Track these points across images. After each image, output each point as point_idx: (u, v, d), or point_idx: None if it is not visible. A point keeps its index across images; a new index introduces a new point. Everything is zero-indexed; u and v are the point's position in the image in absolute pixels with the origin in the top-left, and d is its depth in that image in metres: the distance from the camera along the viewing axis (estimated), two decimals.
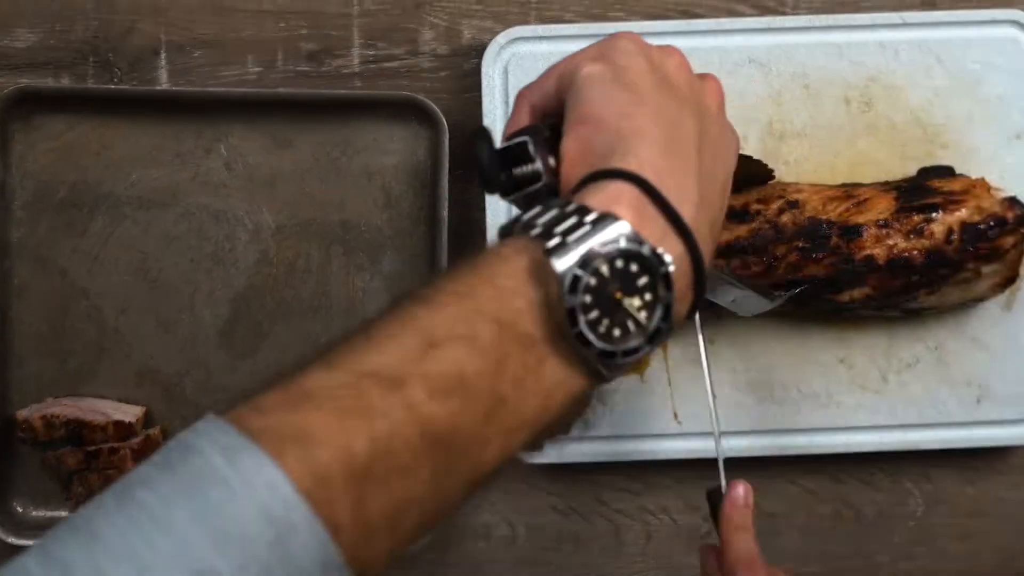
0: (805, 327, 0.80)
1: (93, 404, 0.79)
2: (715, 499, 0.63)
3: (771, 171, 0.77)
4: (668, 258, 0.44)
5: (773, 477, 0.81)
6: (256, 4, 0.80)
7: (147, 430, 0.79)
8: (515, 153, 0.50)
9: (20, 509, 0.79)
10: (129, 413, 0.78)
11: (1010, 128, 0.79)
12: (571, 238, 0.43)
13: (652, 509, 0.81)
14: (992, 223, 0.75)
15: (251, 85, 0.80)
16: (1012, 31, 0.79)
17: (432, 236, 0.79)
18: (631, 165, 0.45)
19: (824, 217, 0.75)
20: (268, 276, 0.80)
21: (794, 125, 0.79)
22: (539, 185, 0.49)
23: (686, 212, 0.46)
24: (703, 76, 0.53)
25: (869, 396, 0.80)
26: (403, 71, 0.80)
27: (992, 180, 0.77)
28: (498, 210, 0.77)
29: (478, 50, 0.79)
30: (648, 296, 0.44)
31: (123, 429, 0.77)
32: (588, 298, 0.42)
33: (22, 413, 0.78)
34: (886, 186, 0.77)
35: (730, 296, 0.71)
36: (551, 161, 0.49)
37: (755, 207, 0.75)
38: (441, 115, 0.77)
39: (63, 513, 0.79)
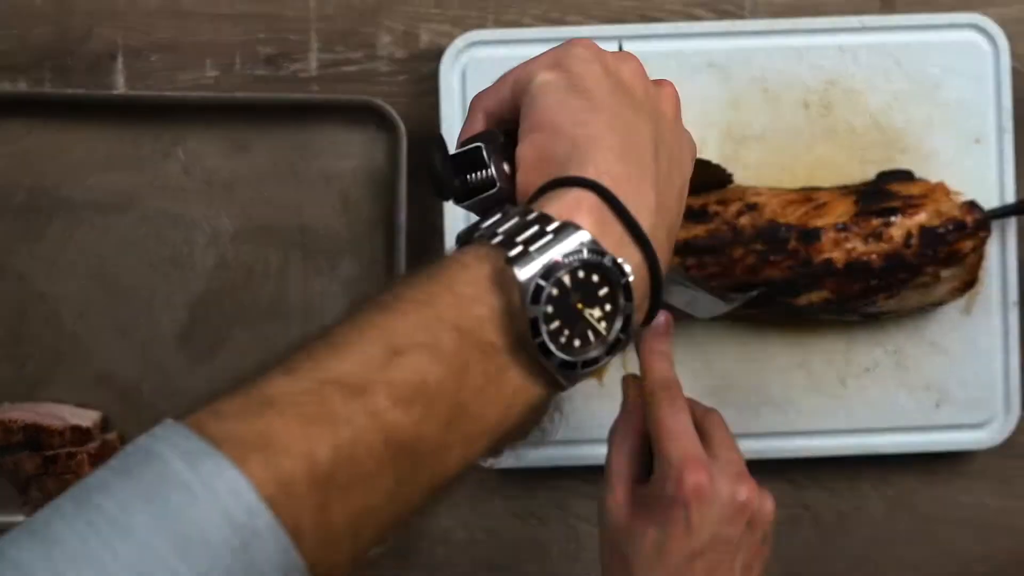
0: (764, 332, 0.80)
1: (51, 409, 0.79)
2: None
3: (730, 175, 0.77)
4: (628, 268, 0.44)
5: None
6: (213, 8, 0.80)
7: (105, 434, 0.79)
8: (469, 159, 0.50)
9: None
10: (87, 418, 0.78)
11: (969, 132, 0.79)
12: (533, 247, 0.43)
13: None
14: (951, 227, 0.75)
15: (209, 89, 0.80)
16: (971, 35, 0.79)
17: (390, 241, 0.79)
18: (589, 173, 0.45)
19: (783, 220, 0.75)
20: (226, 280, 0.80)
21: (753, 129, 0.79)
22: (493, 192, 0.49)
23: (644, 219, 0.46)
24: (659, 82, 0.53)
25: (828, 400, 0.80)
26: (361, 75, 0.80)
27: (951, 184, 0.77)
28: (457, 215, 0.77)
29: (436, 54, 0.79)
30: (608, 307, 0.44)
31: (81, 434, 0.77)
32: (550, 308, 0.43)
33: None
34: (845, 190, 0.77)
35: (685, 298, 0.71)
36: (505, 168, 0.49)
37: (714, 208, 0.75)
38: (399, 119, 0.77)
39: (20, 518, 0.79)
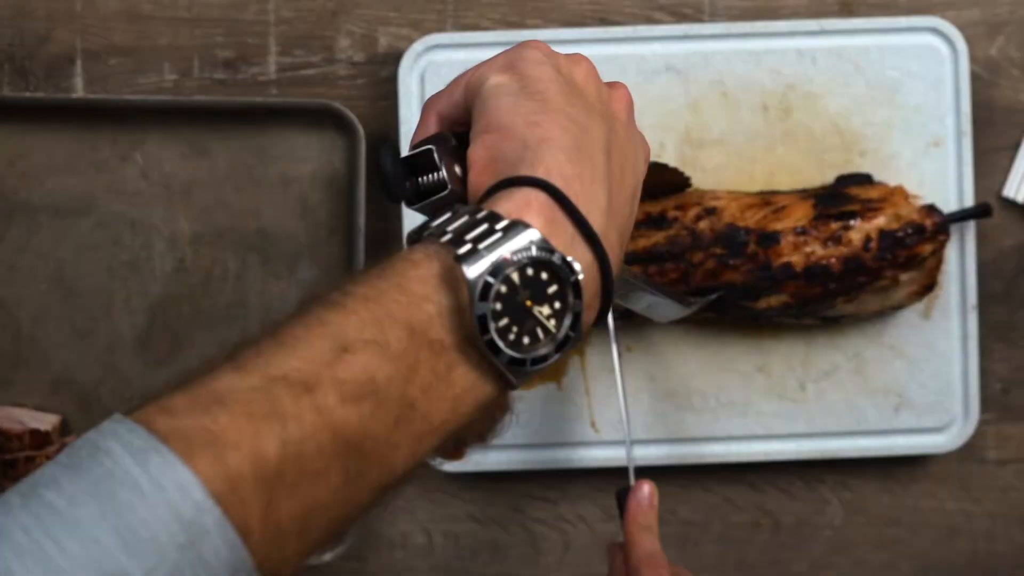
0: (723, 336, 0.80)
1: (9, 413, 0.79)
2: (624, 499, 0.65)
3: (688, 179, 0.77)
4: (578, 266, 0.44)
5: (691, 485, 0.81)
6: (172, 11, 0.80)
7: (64, 438, 0.79)
8: (420, 162, 0.50)
9: None
10: (45, 422, 0.78)
11: (928, 135, 0.79)
12: (482, 245, 0.43)
13: (569, 518, 0.81)
14: (910, 230, 0.75)
15: (167, 93, 0.80)
16: (930, 38, 0.79)
17: (349, 244, 0.79)
18: (540, 172, 0.45)
19: (742, 224, 0.75)
20: (185, 284, 0.80)
21: (712, 133, 0.79)
22: (444, 194, 0.49)
23: (595, 219, 0.46)
24: (612, 84, 0.53)
25: (787, 405, 0.80)
26: (319, 79, 0.80)
27: (910, 188, 0.77)
28: (415, 219, 0.76)
29: (395, 57, 0.79)
30: (557, 304, 0.44)
31: (39, 438, 0.77)
32: (498, 305, 0.43)
33: None
34: (804, 193, 0.77)
35: (644, 302, 0.71)
36: (457, 170, 0.49)
37: (673, 214, 0.75)
38: (358, 123, 0.77)
39: None
